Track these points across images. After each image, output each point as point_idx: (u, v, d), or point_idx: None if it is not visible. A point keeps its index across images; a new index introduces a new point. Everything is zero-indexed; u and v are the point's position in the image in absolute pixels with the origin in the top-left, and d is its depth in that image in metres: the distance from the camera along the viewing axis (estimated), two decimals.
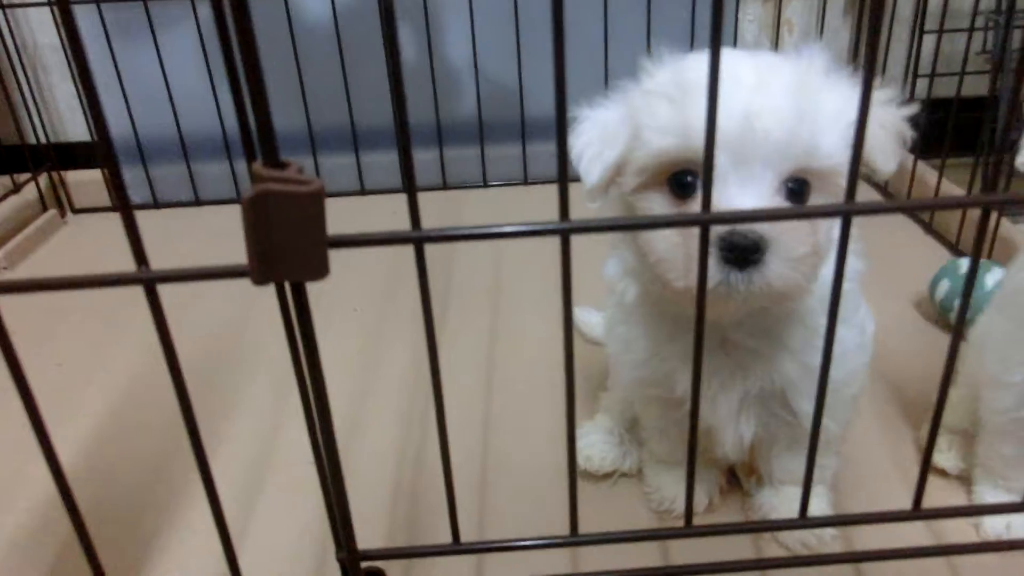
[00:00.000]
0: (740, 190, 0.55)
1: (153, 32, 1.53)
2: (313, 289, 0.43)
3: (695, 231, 0.48)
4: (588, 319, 1.09)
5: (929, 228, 1.39)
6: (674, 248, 0.57)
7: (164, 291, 0.42)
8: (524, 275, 1.32)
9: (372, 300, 1.27)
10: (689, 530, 0.60)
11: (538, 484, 0.88)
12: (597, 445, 0.88)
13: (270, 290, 0.44)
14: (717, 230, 0.54)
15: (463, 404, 1.01)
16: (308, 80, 1.57)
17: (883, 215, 1.43)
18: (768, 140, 0.54)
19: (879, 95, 0.62)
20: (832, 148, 0.56)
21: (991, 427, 0.77)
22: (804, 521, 0.59)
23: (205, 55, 1.55)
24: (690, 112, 0.54)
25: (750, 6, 1.66)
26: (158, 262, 0.42)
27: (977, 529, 0.78)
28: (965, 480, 0.84)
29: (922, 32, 1.46)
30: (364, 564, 0.62)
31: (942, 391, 0.54)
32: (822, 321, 0.52)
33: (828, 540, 0.78)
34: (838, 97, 0.57)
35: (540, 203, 1.56)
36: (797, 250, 0.55)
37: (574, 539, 0.59)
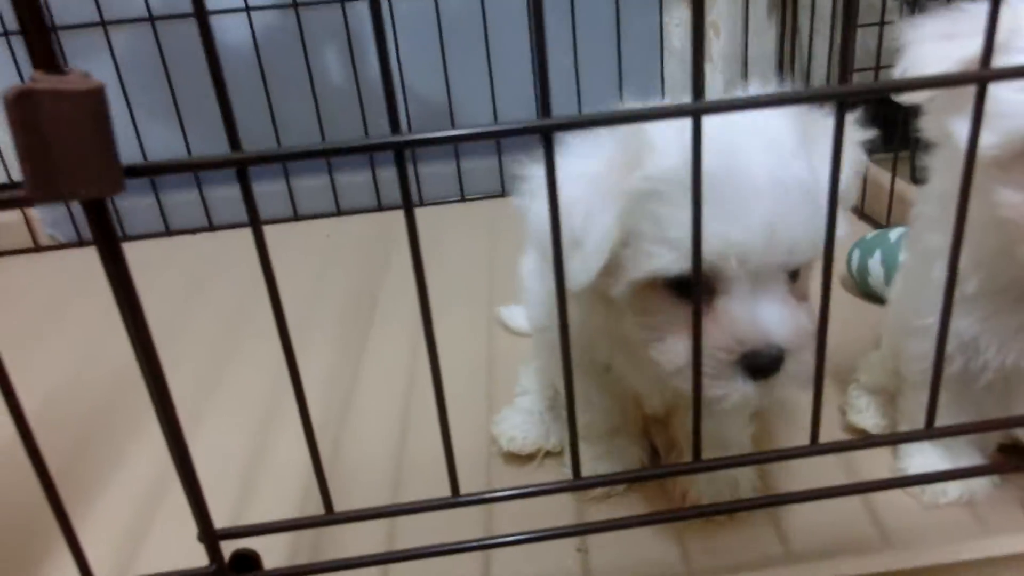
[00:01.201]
0: (760, 299, 0.53)
1: (66, 62, 1.51)
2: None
3: (714, 338, 0.52)
4: (511, 313, 1.09)
5: (862, 213, 1.40)
6: (688, 353, 0.53)
7: None
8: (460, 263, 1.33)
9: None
10: (579, 482, 0.57)
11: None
12: (519, 426, 0.86)
13: None
14: (741, 350, 0.53)
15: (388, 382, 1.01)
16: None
17: None
18: (791, 248, 0.52)
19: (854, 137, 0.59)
20: (845, 232, 0.53)
21: (910, 379, 0.75)
22: (697, 465, 0.56)
23: (122, 85, 1.53)
24: (709, 223, 0.47)
25: (675, 11, 1.68)
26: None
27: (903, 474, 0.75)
28: None
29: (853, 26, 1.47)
30: (237, 548, 0.58)
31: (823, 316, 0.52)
32: None
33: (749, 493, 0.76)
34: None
35: (478, 220, 1.55)
36: (809, 350, 0.54)
37: (455, 500, 0.56)
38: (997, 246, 0.59)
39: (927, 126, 0.62)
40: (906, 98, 0.58)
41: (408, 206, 0.47)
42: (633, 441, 0.82)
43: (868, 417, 0.82)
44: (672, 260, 0.52)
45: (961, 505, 0.73)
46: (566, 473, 0.82)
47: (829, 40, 1.56)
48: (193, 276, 1.42)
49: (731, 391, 0.54)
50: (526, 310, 0.86)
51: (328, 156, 0.46)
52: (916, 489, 0.74)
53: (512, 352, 1.05)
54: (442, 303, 1.23)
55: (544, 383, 0.88)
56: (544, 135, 0.44)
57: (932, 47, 0.56)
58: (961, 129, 0.53)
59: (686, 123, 0.45)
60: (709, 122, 0.48)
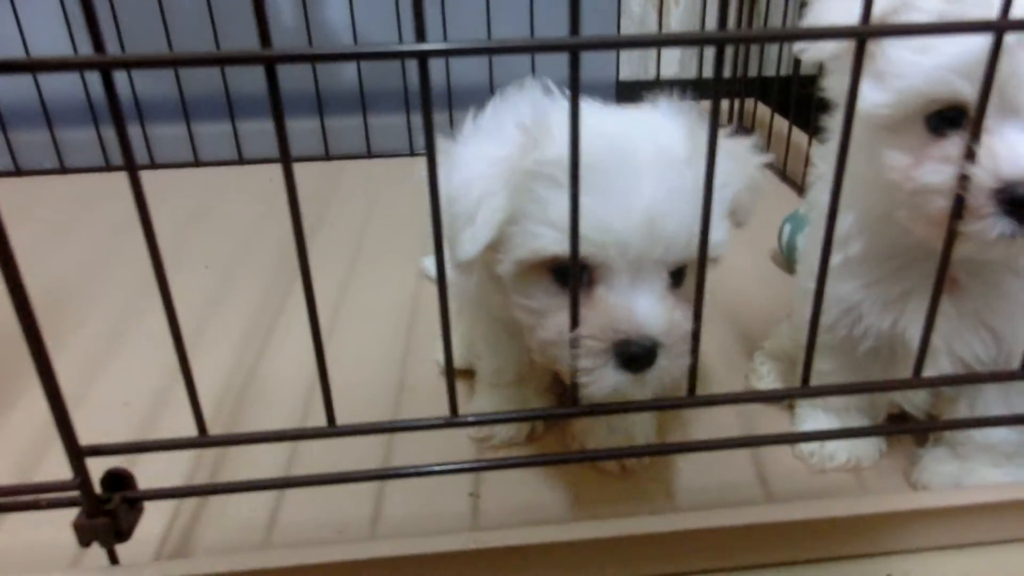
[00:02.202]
0: (637, 291, 0.55)
1: None
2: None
3: (589, 325, 0.53)
4: (430, 263, 1.08)
5: (783, 175, 1.43)
6: (563, 336, 0.55)
7: None
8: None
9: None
10: (456, 420, 0.57)
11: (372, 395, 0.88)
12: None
13: None
14: (614, 338, 0.54)
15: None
16: (179, 46, 1.52)
17: None
18: (670, 244, 0.54)
19: (742, 148, 0.62)
20: (721, 238, 0.57)
21: (803, 343, 0.76)
22: (591, 408, 0.56)
23: (65, 14, 1.49)
24: (591, 211, 0.51)
25: None
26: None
27: (792, 448, 0.77)
28: (791, 405, 0.83)
29: None
30: (110, 467, 0.58)
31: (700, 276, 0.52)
32: None
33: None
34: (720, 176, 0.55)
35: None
36: (683, 345, 0.56)
37: (332, 429, 0.56)
38: (882, 210, 0.60)
39: (830, 85, 0.63)
40: (808, 55, 0.58)
41: (428, 116, 0.47)
42: (540, 392, 0.82)
43: (768, 383, 0.84)
44: (552, 240, 0.53)
45: (847, 470, 0.75)
46: None
47: (783, 15, 1.57)
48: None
49: (602, 378, 0.55)
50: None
51: (357, 59, 0.47)
52: (806, 454, 0.76)
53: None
54: (382, 251, 1.26)
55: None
56: (572, 53, 0.45)
57: (837, 3, 0.56)
58: (861, 89, 0.54)
59: (597, 112, 0.54)
60: (605, 120, 0.55)
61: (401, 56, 0.46)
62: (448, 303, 0.54)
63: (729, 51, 1.68)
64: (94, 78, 1.54)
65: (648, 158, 0.54)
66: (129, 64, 0.45)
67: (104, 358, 0.96)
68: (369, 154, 1.64)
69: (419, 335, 1.00)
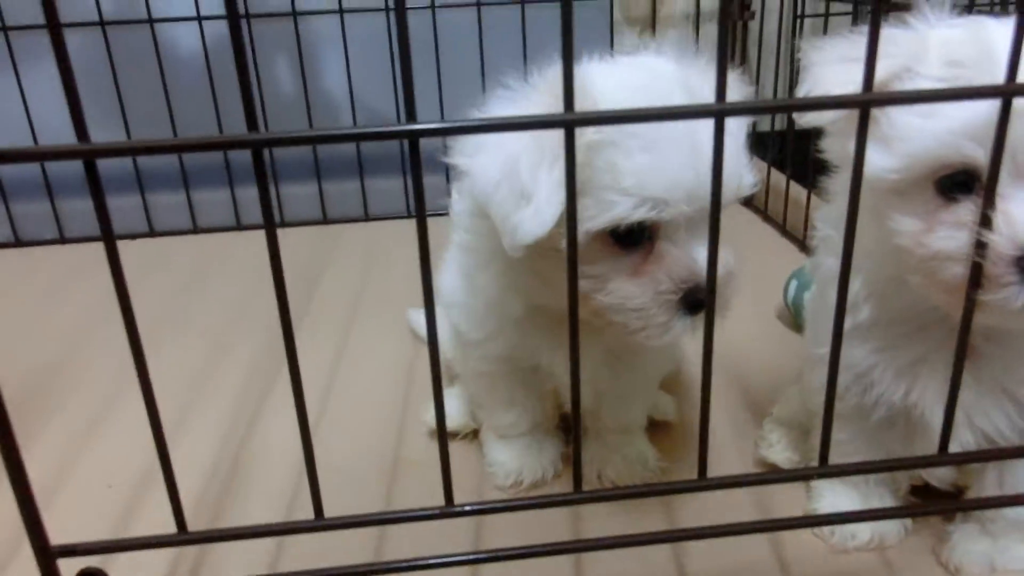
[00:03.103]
0: (695, 242, 0.57)
1: (14, 63, 1.48)
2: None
3: (660, 280, 0.57)
4: (421, 319, 1.06)
5: (784, 230, 1.41)
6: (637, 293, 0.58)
7: None
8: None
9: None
10: (451, 511, 0.54)
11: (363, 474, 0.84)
12: (452, 406, 0.87)
13: None
14: (684, 287, 0.57)
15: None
16: (180, 114, 1.52)
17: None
18: (726, 191, 0.54)
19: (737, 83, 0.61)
20: (752, 178, 0.60)
21: (815, 411, 0.73)
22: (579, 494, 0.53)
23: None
24: (662, 169, 0.53)
25: (625, 37, 1.68)
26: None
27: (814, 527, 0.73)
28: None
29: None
30: (83, 567, 0.54)
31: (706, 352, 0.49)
32: None
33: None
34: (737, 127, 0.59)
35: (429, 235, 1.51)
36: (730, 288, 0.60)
37: (319, 523, 0.52)
38: (892, 274, 0.57)
39: (829, 147, 0.61)
40: (806, 120, 0.57)
41: (420, 195, 0.45)
42: (550, 435, 0.84)
43: (778, 451, 0.80)
44: (629, 208, 0.54)
45: (870, 550, 0.70)
46: (489, 472, 0.83)
47: (774, 75, 1.57)
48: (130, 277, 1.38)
49: (674, 326, 0.57)
50: (452, 327, 0.83)
51: (350, 139, 0.44)
52: (826, 532, 0.71)
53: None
54: (378, 314, 1.23)
55: (464, 404, 0.88)
56: (568, 130, 0.43)
57: (834, 69, 0.55)
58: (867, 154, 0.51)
59: (616, 66, 0.58)
60: (629, 75, 0.58)
61: (392, 137, 0.44)
62: (439, 360, 0.52)
63: None
64: None
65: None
66: (111, 152, 0.43)
67: (90, 436, 0.92)
68: (367, 217, 1.63)
69: (414, 401, 0.97)
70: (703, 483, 0.54)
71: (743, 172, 0.58)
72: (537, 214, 0.53)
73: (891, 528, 0.70)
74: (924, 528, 0.72)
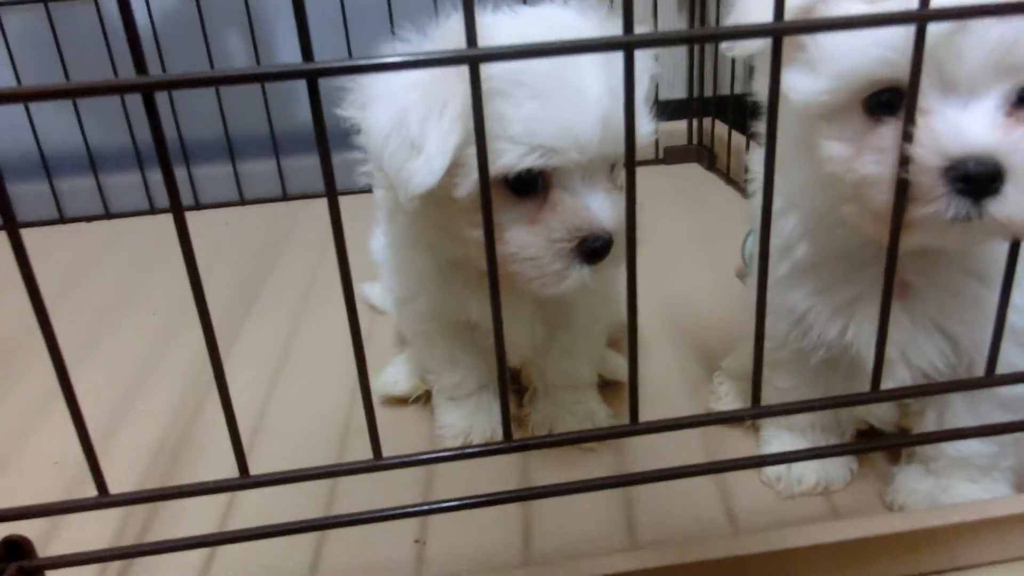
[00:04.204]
0: (591, 191, 0.58)
1: None
2: None
3: (554, 228, 0.57)
4: (372, 291, 1.08)
5: (728, 177, 1.42)
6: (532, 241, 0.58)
7: None
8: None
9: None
10: (380, 463, 0.53)
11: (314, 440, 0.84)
12: (397, 373, 0.88)
13: None
14: (579, 236, 0.57)
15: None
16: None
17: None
18: (617, 140, 0.53)
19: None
20: (650, 128, 0.60)
21: (768, 362, 0.72)
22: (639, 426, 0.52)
23: (14, 67, 1.46)
24: (546, 117, 0.54)
25: None
26: None
27: (759, 473, 0.73)
28: (756, 427, 0.79)
29: None
30: (4, 536, 0.53)
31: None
32: None
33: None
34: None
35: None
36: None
37: (244, 480, 0.51)
38: (825, 208, 0.57)
39: (757, 86, 0.60)
40: (734, 53, 0.56)
41: (323, 138, 0.44)
42: (496, 395, 0.82)
43: (726, 403, 0.80)
44: (518, 156, 0.54)
45: (817, 494, 0.70)
46: (438, 434, 0.82)
47: None
48: (85, 259, 1.36)
49: (570, 275, 0.58)
50: (385, 287, 0.87)
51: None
52: (773, 479, 0.71)
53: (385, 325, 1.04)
54: (334, 288, 1.21)
55: (415, 368, 0.87)
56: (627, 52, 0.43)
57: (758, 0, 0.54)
58: (791, 80, 0.51)
59: (517, 17, 0.58)
60: (528, 25, 0.58)
61: (293, 77, 0.43)
62: (360, 332, 0.50)
63: (685, 70, 1.66)
64: (45, 131, 1.51)
65: (585, 59, 0.55)
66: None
67: (38, 414, 0.91)
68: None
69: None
70: (635, 428, 0.54)
71: (641, 121, 0.57)
72: (427, 164, 0.53)
73: (837, 472, 0.71)
74: (870, 472, 0.72)
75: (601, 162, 0.57)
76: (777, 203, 0.61)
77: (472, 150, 0.52)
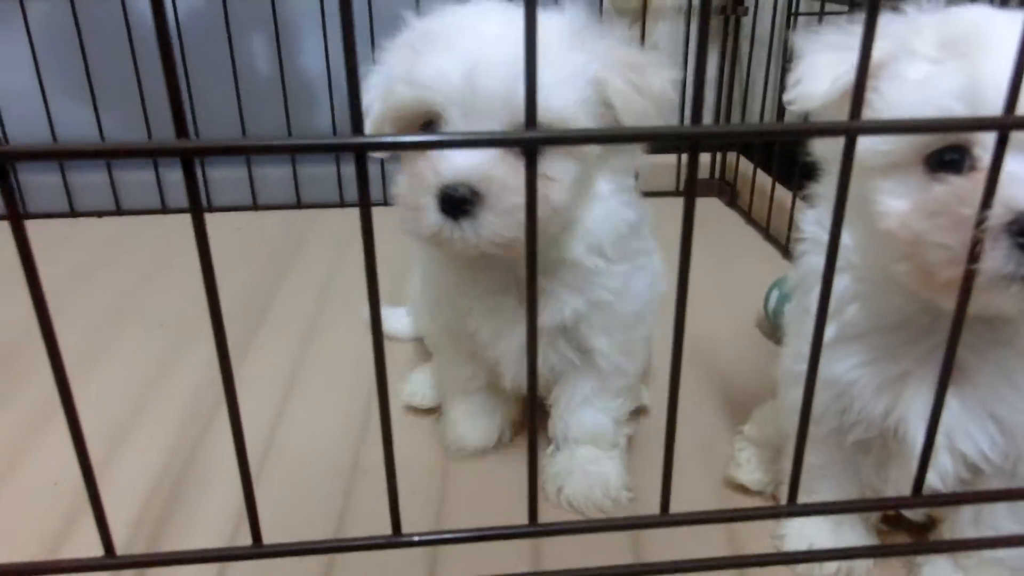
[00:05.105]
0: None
1: None
2: None
3: (420, 166, 0.59)
4: (391, 314, 1.06)
5: (767, 234, 1.38)
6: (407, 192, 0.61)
7: None
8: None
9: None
10: (399, 540, 0.51)
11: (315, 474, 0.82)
12: (422, 384, 0.91)
13: None
14: (436, 181, 0.58)
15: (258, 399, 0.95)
16: (149, 91, 1.47)
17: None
18: (491, 96, 0.57)
19: (640, 58, 0.64)
20: (562, 104, 0.58)
21: (790, 433, 0.70)
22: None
23: (35, 59, 1.44)
24: (427, 62, 0.59)
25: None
26: None
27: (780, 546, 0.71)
28: (775, 499, 0.76)
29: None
30: None
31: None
32: (600, 263, 0.67)
33: (624, 503, 0.77)
34: (582, 55, 0.61)
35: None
36: (510, 201, 0.57)
37: (258, 550, 0.49)
38: (878, 269, 0.55)
39: (816, 147, 0.59)
40: (796, 106, 0.54)
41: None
42: (507, 398, 0.84)
43: (748, 472, 0.77)
44: (403, 94, 0.60)
45: None
46: (442, 432, 0.85)
47: (765, 70, 1.53)
48: (94, 258, 1.34)
49: (428, 220, 0.59)
50: (416, 321, 0.99)
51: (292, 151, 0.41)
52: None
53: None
54: (348, 302, 1.19)
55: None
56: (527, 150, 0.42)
57: (825, 58, 0.53)
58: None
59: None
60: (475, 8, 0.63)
61: (339, 149, 0.41)
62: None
63: (711, 100, 1.64)
64: (63, 123, 1.49)
65: (492, 21, 0.59)
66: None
67: (38, 427, 0.89)
68: (342, 203, 1.59)
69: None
70: (666, 519, 0.52)
71: (550, 97, 0.55)
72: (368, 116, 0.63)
73: (859, 560, 0.68)
74: (894, 560, 0.70)
75: (480, 117, 0.58)
76: (823, 261, 0.60)
77: (386, 102, 0.63)
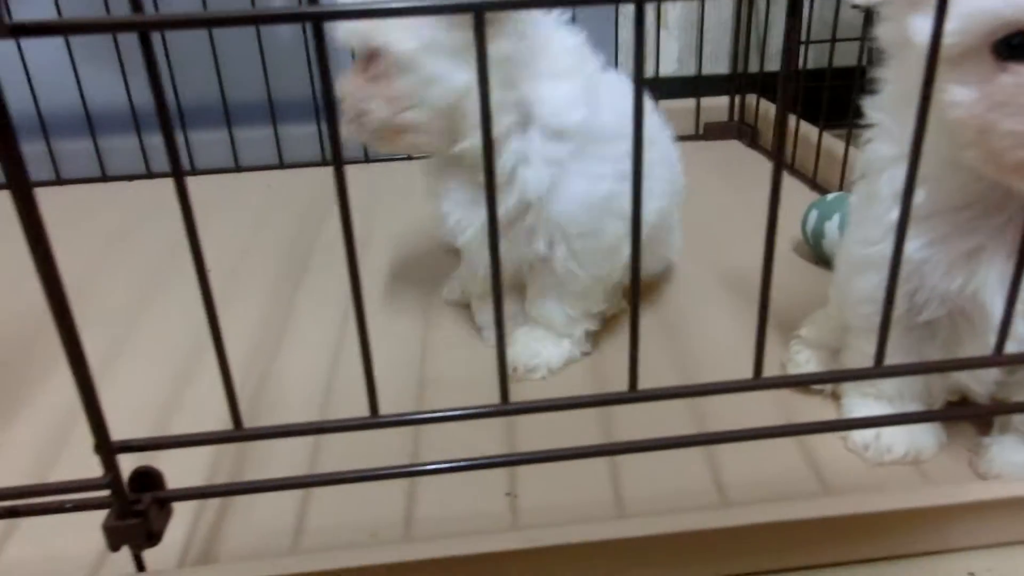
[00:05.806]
0: (352, 66, 0.74)
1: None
2: None
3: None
4: None
5: (814, 183, 1.38)
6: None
7: None
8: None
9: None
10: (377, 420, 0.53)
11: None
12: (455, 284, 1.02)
13: None
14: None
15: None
16: (176, 55, 1.48)
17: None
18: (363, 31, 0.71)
19: None
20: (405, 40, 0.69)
21: (855, 325, 0.72)
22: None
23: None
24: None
25: None
26: None
27: (845, 441, 0.73)
28: (836, 396, 0.79)
29: None
30: (138, 466, 0.53)
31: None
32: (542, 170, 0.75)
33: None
34: None
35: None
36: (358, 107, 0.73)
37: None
38: (946, 154, 0.56)
39: (883, 33, 0.60)
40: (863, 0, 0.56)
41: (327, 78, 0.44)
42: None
43: (808, 371, 0.80)
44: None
45: (906, 463, 0.70)
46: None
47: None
48: (128, 220, 1.35)
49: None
50: None
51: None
52: (860, 447, 0.72)
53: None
54: (398, 242, 1.22)
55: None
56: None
57: None
58: (918, 23, 0.51)
59: None
60: None
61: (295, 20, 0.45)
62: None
63: (729, 47, 1.66)
64: (91, 90, 1.50)
65: None
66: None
67: (111, 360, 0.91)
68: (367, 158, 1.60)
69: (447, 319, 0.99)
70: (635, 395, 0.54)
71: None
72: None
73: (927, 441, 0.71)
74: (959, 443, 0.72)
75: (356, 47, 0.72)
76: (893, 149, 0.62)
77: None
